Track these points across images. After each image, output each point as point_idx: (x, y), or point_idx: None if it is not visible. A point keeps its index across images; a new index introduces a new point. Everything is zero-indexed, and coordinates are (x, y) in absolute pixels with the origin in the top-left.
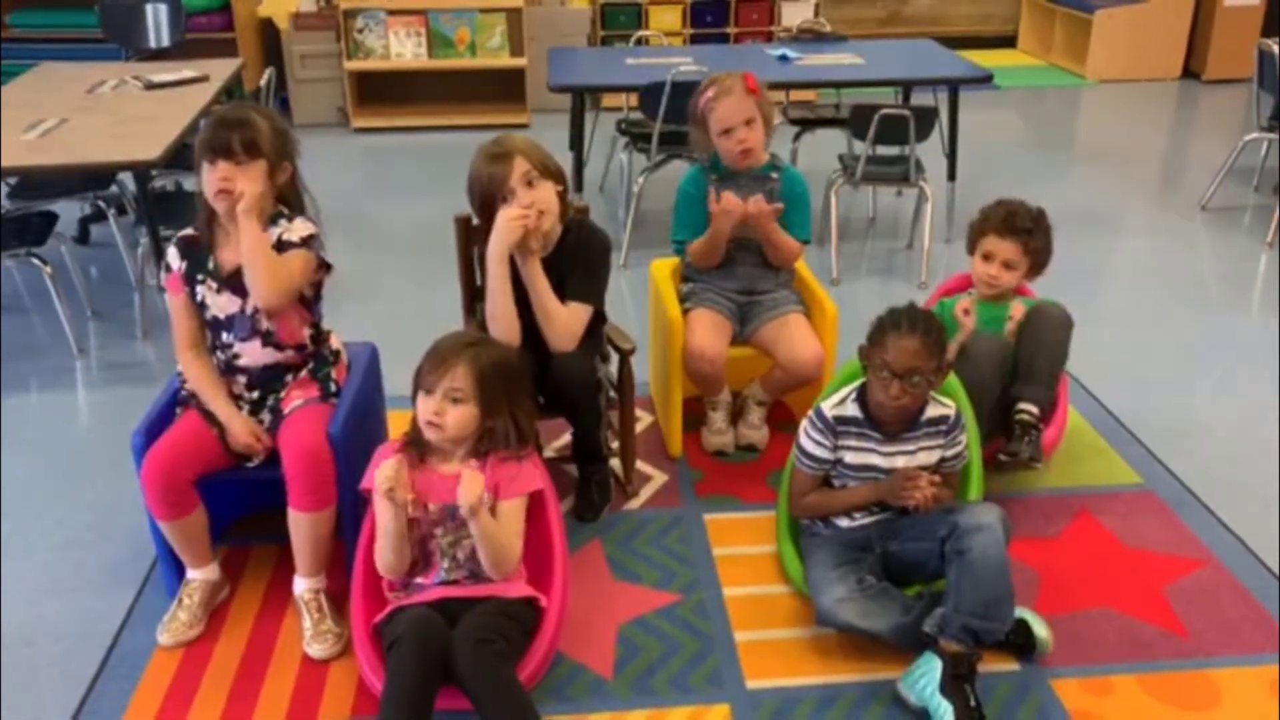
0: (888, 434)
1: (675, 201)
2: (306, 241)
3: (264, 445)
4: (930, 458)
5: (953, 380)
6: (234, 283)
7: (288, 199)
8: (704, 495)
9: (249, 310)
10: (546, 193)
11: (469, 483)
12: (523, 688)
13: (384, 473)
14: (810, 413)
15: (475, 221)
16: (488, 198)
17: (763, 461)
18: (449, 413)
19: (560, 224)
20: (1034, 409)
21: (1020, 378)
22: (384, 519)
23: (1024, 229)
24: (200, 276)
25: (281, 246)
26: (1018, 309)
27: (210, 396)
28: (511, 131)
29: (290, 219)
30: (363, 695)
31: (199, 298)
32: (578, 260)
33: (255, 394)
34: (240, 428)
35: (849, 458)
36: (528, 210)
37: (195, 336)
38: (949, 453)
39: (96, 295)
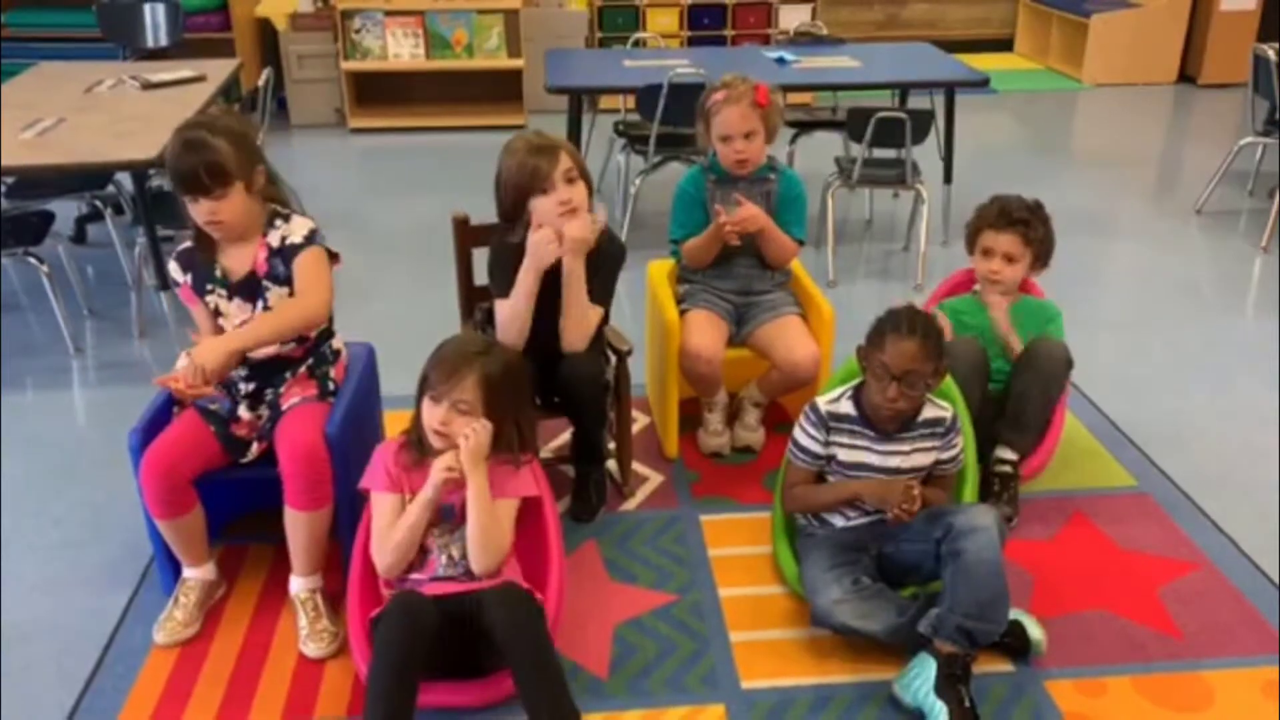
0: (881, 433)
1: (673, 201)
2: (310, 238)
3: (196, 386)
4: (925, 459)
5: (949, 384)
6: (243, 291)
7: (269, 196)
8: (700, 496)
9: (257, 315)
10: (582, 193)
11: (477, 436)
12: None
13: (444, 461)
14: (806, 406)
15: (475, 220)
16: (523, 188)
17: (759, 463)
18: (455, 423)
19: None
20: (1014, 458)
21: (1009, 420)
22: (411, 517)
23: (1020, 219)
24: (209, 287)
25: (289, 251)
26: (1004, 321)
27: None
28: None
29: (286, 218)
30: (359, 694)
31: (211, 305)
32: (597, 263)
33: (252, 385)
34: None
35: (842, 455)
36: (555, 236)
37: (216, 329)
38: (944, 455)
39: (93, 295)
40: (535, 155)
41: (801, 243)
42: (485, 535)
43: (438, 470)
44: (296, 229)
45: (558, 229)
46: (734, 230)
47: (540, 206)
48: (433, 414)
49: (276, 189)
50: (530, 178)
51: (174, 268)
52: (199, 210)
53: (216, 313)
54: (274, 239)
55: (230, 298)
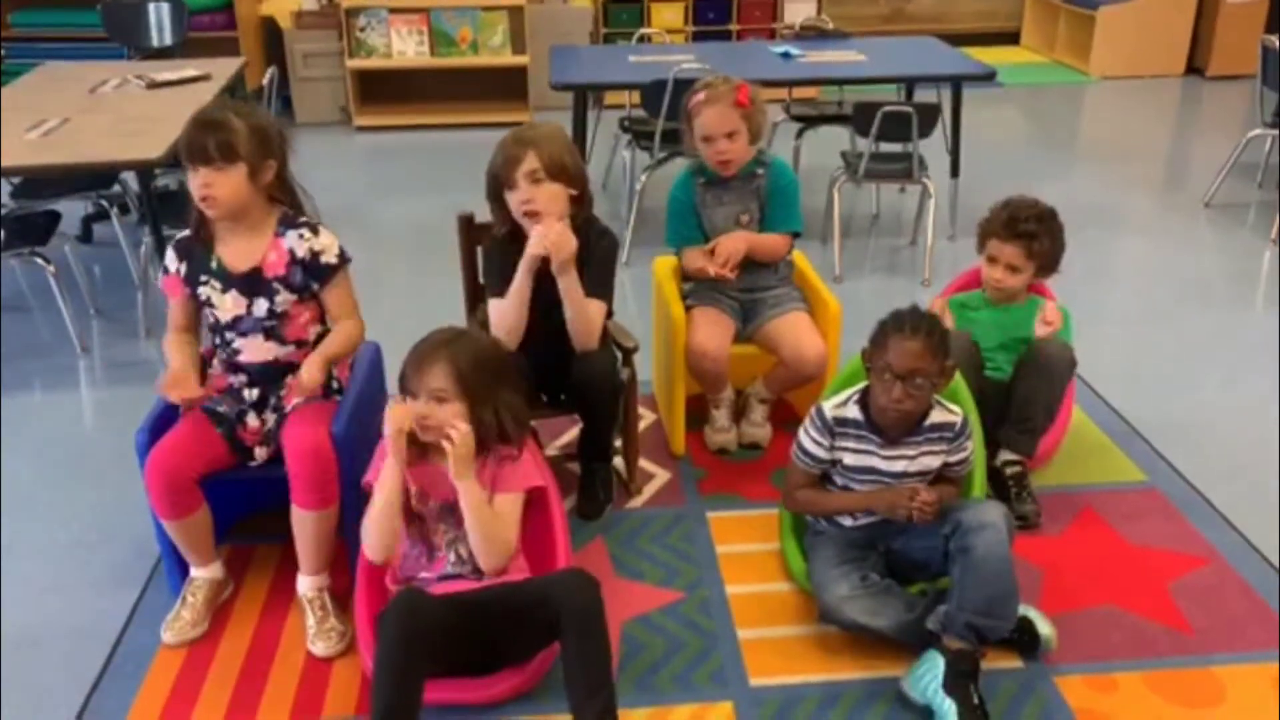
0: (888, 438)
1: (667, 207)
2: (343, 257)
3: (194, 397)
4: (932, 463)
5: (961, 386)
6: (243, 285)
7: (278, 197)
8: (707, 493)
9: (257, 313)
10: (546, 193)
11: (461, 443)
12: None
13: (397, 413)
14: (811, 410)
15: (479, 218)
16: (495, 180)
17: (766, 459)
18: (436, 413)
19: (564, 222)
20: (1019, 459)
21: (1014, 424)
22: (380, 493)
23: (1026, 232)
24: (204, 277)
25: (323, 269)
26: (1053, 313)
27: (173, 355)
28: (549, 120)
29: (314, 230)
30: (367, 692)
31: (205, 297)
32: (590, 259)
33: (256, 392)
34: (179, 372)
35: (848, 459)
36: (554, 234)
37: (189, 322)
38: (953, 458)
39: (100, 294)
40: (511, 147)
41: (797, 234)
42: (486, 536)
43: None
44: (328, 245)
45: (525, 227)
46: (727, 270)
47: (509, 201)
48: (414, 409)
49: (289, 192)
50: (501, 169)
51: (170, 256)
52: (195, 180)
53: (208, 304)
54: (299, 248)
55: (226, 290)
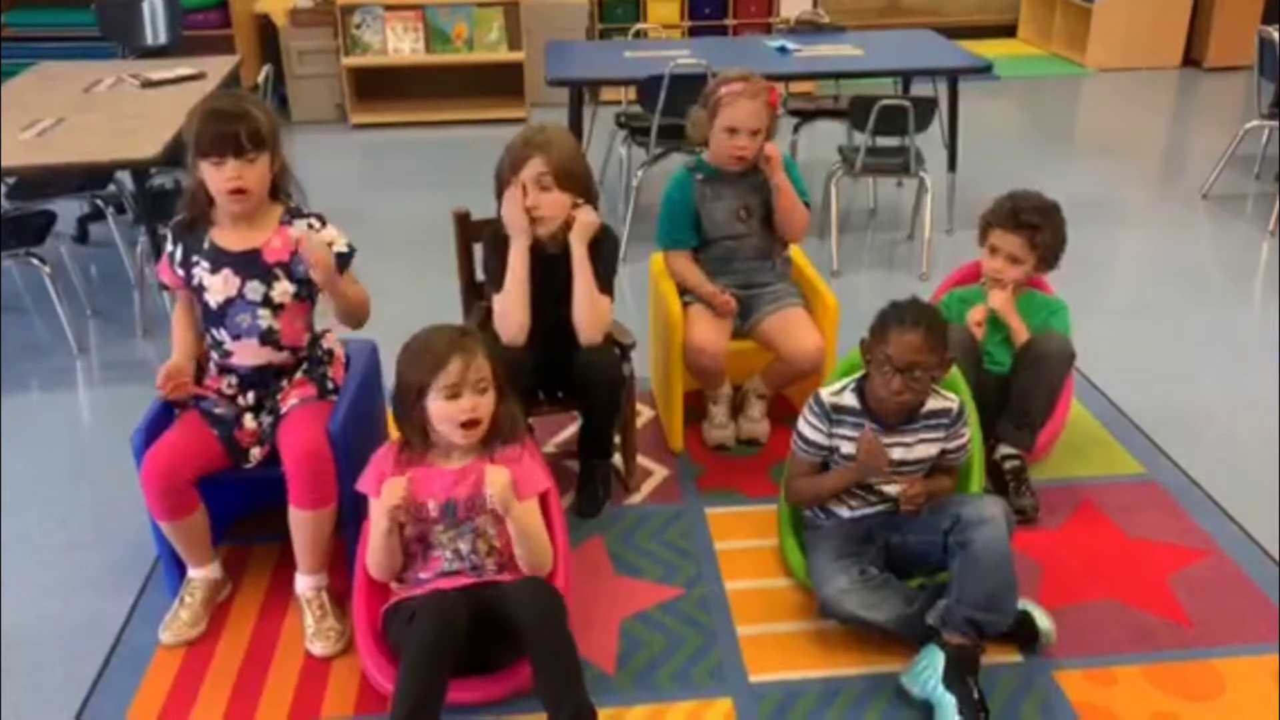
0: (885, 425)
1: (661, 206)
2: (351, 248)
3: (184, 397)
4: (929, 450)
5: (959, 379)
6: (234, 262)
7: (280, 188)
8: (705, 489)
9: (250, 296)
10: (548, 199)
11: (494, 477)
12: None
13: (394, 491)
14: (809, 398)
15: (476, 215)
16: (502, 177)
17: (764, 455)
18: (481, 405)
19: (562, 227)
20: (1018, 453)
21: (1013, 419)
22: (379, 527)
23: (1028, 223)
24: (195, 259)
25: (340, 259)
26: (980, 311)
27: (177, 336)
28: (556, 123)
29: (322, 221)
30: (365, 692)
31: (196, 280)
32: (593, 257)
33: (250, 396)
34: (174, 365)
35: (845, 447)
36: (529, 205)
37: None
38: (950, 445)
39: (96, 294)
40: (522, 147)
41: (807, 205)
42: (535, 554)
43: (386, 502)
44: (338, 237)
45: (517, 224)
46: (729, 301)
47: (506, 196)
48: (458, 407)
49: (288, 185)
50: (509, 165)
51: (168, 238)
52: (223, 173)
53: (201, 288)
54: (320, 242)
55: (216, 270)
